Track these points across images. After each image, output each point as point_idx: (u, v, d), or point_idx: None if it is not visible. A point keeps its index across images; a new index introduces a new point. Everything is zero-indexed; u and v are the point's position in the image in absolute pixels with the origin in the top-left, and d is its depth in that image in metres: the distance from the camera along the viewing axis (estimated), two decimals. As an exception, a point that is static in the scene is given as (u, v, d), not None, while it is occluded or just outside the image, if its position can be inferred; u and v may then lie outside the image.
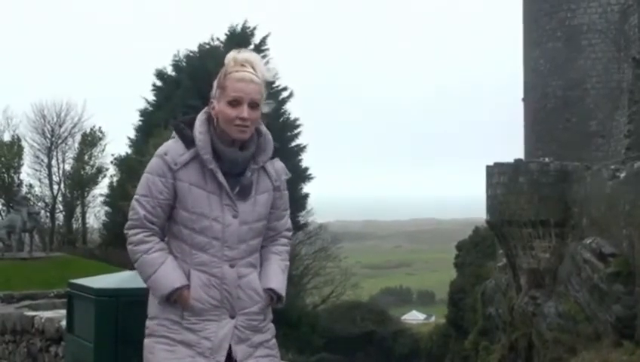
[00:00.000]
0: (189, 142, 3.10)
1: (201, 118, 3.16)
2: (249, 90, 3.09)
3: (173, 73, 33.98)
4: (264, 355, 3.22)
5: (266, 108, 3.22)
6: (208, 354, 3.08)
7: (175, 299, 3.07)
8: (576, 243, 18.38)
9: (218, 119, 3.12)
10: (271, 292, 3.22)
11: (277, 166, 3.29)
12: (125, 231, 3.15)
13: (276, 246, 3.34)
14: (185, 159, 3.08)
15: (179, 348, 3.07)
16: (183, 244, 3.12)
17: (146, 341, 3.15)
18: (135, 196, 3.14)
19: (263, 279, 3.23)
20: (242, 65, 3.11)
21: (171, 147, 3.11)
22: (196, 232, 3.09)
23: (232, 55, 3.16)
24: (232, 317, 3.13)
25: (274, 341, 3.29)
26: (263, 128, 3.25)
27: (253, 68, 3.12)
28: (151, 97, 34.47)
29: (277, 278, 3.25)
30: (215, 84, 3.17)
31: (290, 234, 3.43)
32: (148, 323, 3.17)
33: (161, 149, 3.14)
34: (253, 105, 3.11)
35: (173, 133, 3.19)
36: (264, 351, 3.22)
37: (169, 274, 3.07)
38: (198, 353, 3.07)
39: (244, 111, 3.07)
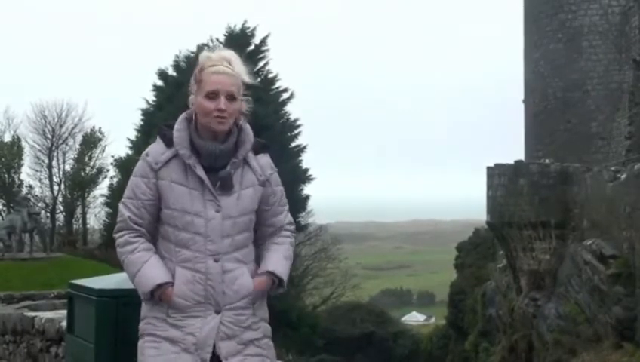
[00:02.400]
0: (168, 141, 3.18)
1: (180, 117, 3.25)
2: (225, 82, 3.15)
3: (175, 73, 33.98)
4: (254, 354, 3.20)
5: (244, 105, 3.27)
6: (193, 350, 3.08)
7: (159, 297, 3.11)
8: (576, 244, 18.37)
9: (197, 114, 3.18)
10: (271, 275, 3.24)
11: (262, 161, 3.32)
12: (113, 235, 3.24)
13: (278, 238, 3.37)
14: (165, 158, 3.16)
15: (164, 344, 3.10)
16: (168, 243, 3.17)
17: (139, 342, 3.20)
18: (122, 200, 3.23)
19: (263, 264, 3.27)
20: (218, 61, 3.19)
21: (152, 148, 3.22)
22: (179, 229, 3.14)
23: (207, 53, 3.24)
24: (218, 313, 3.13)
25: (267, 341, 3.28)
26: (245, 124, 3.30)
27: (229, 63, 3.19)
28: (152, 98, 34.50)
29: (277, 262, 3.28)
30: (192, 80, 3.22)
31: (292, 228, 3.44)
32: (140, 323, 3.22)
33: (145, 152, 3.23)
34: (230, 97, 3.15)
35: (157, 138, 3.28)
36: (254, 350, 3.20)
37: (151, 271, 3.11)
38: (183, 349, 3.08)
39: (222, 102, 3.13)
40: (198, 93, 3.18)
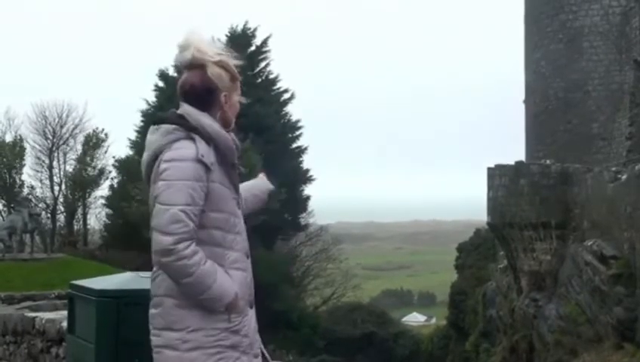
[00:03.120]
0: (208, 139, 3.02)
1: (200, 112, 3.07)
2: None
3: (176, 74, 33.98)
4: (259, 339, 3.32)
5: None
6: (248, 349, 3.11)
7: (229, 305, 3.02)
8: (577, 245, 18.36)
9: (229, 110, 3.15)
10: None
11: None
12: (172, 247, 2.90)
13: None
14: (213, 158, 3.02)
15: (229, 352, 3.05)
16: (213, 248, 3.04)
17: (193, 354, 2.99)
18: (178, 207, 2.91)
19: (256, 185, 3.65)
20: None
21: (200, 148, 2.98)
22: (226, 231, 3.07)
23: (222, 49, 3.17)
24: (251, 308, 3.19)
25: None
26: None
27: None
28: (152, 98, 34.51)
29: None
30: (224, 77, 3.12)
31: None
32: (189, 336, 3.01)
33: (187, 152, 2.97)
34: None
35: (179, 134, 3.03)
36: (258, 336, 3.33)
37: (226, 280, 3.02)
38: (242, 352, 3.09)
39: None
40: (235, 92, 3.17)
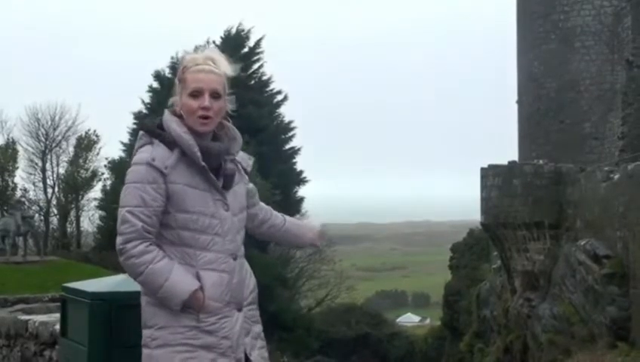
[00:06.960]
0: (171, 143, 3.08)
1: (171, 118, 3.14)
2: (209, 80, 3.11)
3: (171, 75, 33.90)
4: (262, 347, 3.30)
5: (229, 105, 3.23)
6: (229, 352, 3.09)
7: (190, 304, 3.03)
8: (570, 244, 18.40)
9: (182, 114, 3.13)
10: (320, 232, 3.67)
11: (242, 154, 3.35)
12: (121, 247, 3.04)
13: (276, 214, 3.62)
14: (173, 161, 3.06)
15: (200, 352, 3.05)
16: (184, 248, 3.09)
17: (159, 352, 3.06)
18: (126, 209, 3.05)
19: (303, 226, 3.70)
20: (203, 61, 3.15)
21: (155, 152, 3.07)
22: (198, 232, 3.08)
23: (191, 54, 3.21)
24: (239, 311, 3.17)
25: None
26: (228, 120, 3.29)
27: (213, 62, 3.15)
28: (147, 100, 34.42)
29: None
30: (176, 80, 3.19)
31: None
32: (156, 333, 3.07)
33: (142, 157, 3.07)
34: (215, 95, 3.12)
35: (145, 140, 3.14)
36: (261, 343, 3.30)
37: (183, 278, 3.03)
38: (220, 354, 3.07)
39: (206, 100, 3.09)
40: (182, 93, 3.14)
